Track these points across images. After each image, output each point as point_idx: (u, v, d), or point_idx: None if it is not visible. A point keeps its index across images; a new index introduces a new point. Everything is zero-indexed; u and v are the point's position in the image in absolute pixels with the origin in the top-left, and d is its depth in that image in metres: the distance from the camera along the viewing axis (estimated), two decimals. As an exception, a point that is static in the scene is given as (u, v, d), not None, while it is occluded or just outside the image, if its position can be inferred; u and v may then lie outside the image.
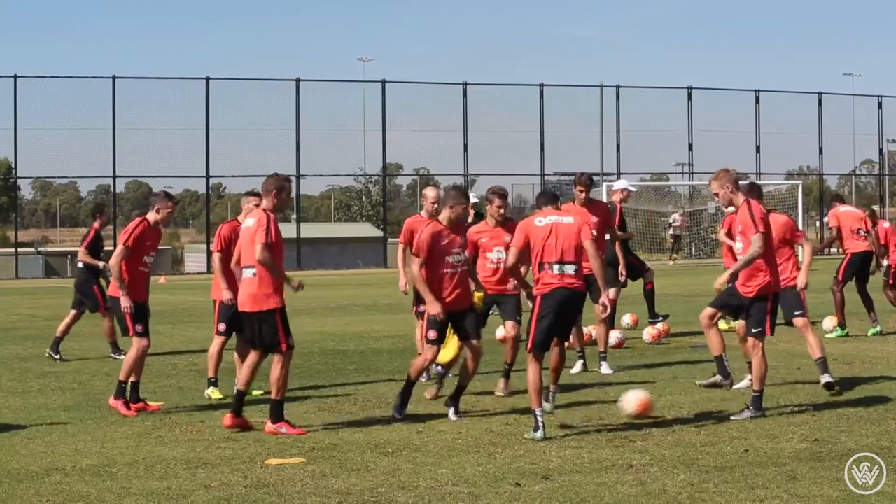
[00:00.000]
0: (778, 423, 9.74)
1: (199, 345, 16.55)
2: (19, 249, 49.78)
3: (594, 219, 12.95)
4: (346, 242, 52.90)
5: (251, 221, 9.93)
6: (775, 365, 13.40)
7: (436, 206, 13.20)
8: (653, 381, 12.35)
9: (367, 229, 58.62)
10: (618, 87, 53.66)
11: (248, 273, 9.89)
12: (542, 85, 52.37)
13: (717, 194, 10.49)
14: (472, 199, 19.32)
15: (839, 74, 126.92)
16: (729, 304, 10.82)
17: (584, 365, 13.32)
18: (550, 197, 10.37)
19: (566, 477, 7.94)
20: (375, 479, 8.00)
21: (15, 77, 46.16)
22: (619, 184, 16.15)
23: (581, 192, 13.40)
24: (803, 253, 12.51)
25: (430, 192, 12.97)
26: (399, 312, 22.61)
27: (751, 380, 10.71)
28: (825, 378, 11.41)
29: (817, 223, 64.92)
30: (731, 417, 10.01)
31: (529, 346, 9.70)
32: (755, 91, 55.62)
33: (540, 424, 9.28)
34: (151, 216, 11.17)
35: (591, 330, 14.38)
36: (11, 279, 44.27)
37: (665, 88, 62.43)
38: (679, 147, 54.97)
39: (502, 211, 11.67)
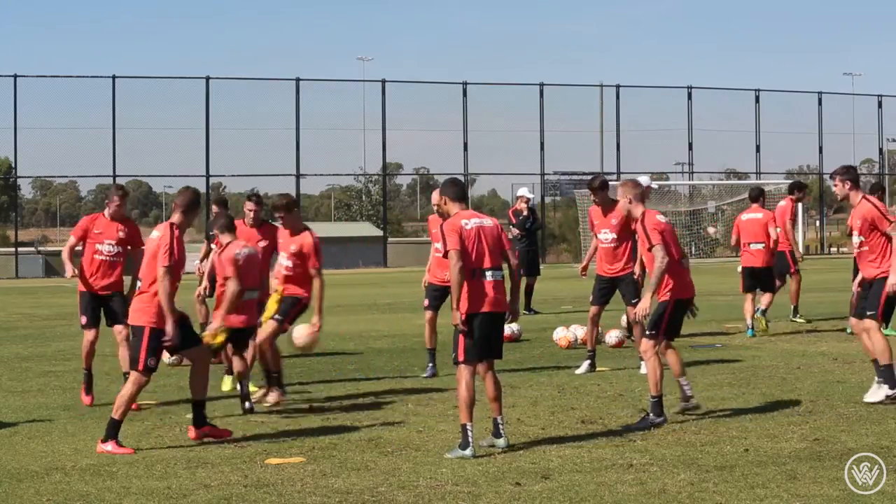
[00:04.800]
0: (778, 423, 9.74)
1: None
2: (19, 249, 49.76)
3: (614, 221, 13.00)
4: (346, 242, 52.82)
5: (156, 234, 9.48)
6: (775, 364, 13.41)
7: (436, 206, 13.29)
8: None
9: (367, 228, 58.61)
10: (618, 86, 53.72)
11: (139, 284, 9.56)
12: (541, 84, 52.41)
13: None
14: (526, 194, 19.35)
15: (839, 74, 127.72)
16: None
17: (592, 365, 13.07)
18: (459, 190, 9.20)
19: (566, 476, 7.94)
20: (375, 478, 8.00)
21: (15, 77, 46.21)
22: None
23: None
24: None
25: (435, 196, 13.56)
26: (399, 312, 22.62)
27: (878, 381, 10.47)
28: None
29: (817, 223, 65.00)
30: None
31: (461, 357, 8.76)
32: (755, 90, 55.69)
33: (470, 441, 8.59)
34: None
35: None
36: (11, 278, 44.27)
37: (665, 88, 62.54)
38: (679, 146, 55.11)
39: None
